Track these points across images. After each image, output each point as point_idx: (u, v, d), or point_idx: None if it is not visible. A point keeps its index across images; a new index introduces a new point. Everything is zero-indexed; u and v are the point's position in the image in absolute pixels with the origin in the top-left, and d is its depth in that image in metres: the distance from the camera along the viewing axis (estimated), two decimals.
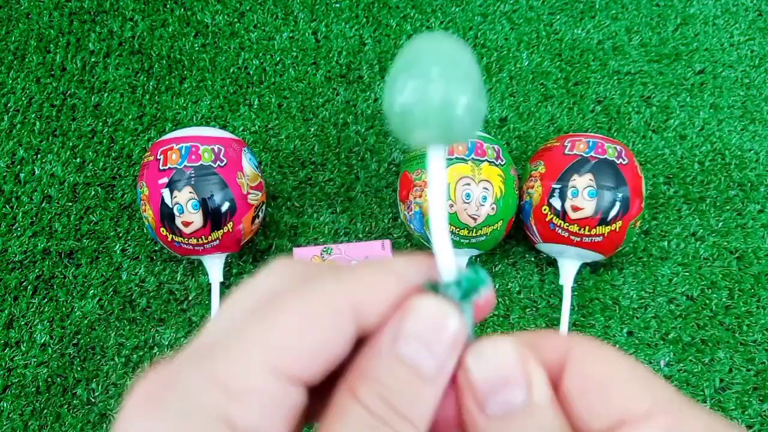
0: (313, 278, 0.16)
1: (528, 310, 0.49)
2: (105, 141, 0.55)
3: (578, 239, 0.45)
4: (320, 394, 0.17)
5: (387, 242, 0.48)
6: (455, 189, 0.44)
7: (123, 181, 0.53)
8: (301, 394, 0.15)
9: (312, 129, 0.56)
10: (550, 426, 0.15)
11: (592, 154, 0.45)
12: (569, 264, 0.47)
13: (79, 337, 0.48)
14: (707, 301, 0.50)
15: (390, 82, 0.16)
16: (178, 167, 0.43)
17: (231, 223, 0.44)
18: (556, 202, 0.45)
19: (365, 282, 0.16)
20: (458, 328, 0.16)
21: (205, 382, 0.14)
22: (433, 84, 0.16)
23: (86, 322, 0.49)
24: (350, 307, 0.16)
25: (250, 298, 0.16)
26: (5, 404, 0.46)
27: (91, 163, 0.54)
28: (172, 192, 0.43)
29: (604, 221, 0.44)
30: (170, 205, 0.43)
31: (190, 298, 0.49)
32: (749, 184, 0.54)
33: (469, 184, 0.44)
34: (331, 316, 0.15)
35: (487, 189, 0.44)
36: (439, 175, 0.17)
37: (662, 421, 0.15)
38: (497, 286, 0.50)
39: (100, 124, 0.55)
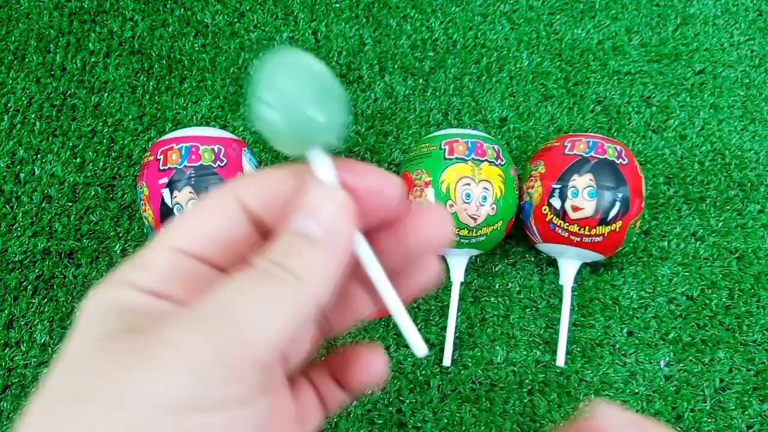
0: None
1: (528, 310, 0.49)
2: (105, 141, 0.55)
3: (578, 239, 0.45)
4: None
5: None
6: (455, 189, 0.44)
7: (123, 181, 0.53)
8: (201, 267, 0.19)
9: None
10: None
11: (592, 154, 0.45)
12: (569, 264, 0.47)
13: None
14: (707, 301, 0.50)
15: (251, 103, 0.19)
16: (178, 167, 0.43)
17: None
18: (556, 202, 0.45)
19: (248, 177, 0.20)
20: (345, 200, 0.18)
21: (123, 266, 0.19)
22: (283, 107, 0.18)
23: None
24: (233, 194, 0.19)
25: None
26: (5, 404, 0.46)
27: (91, 163, 0.54)
28: (172, 192, 0.43)
29: (604, 221, 0.44)
30: (170, 205, 0.43)
31: None
32: (749, 184, 0.54)
33: (469, 184, 0.44)
34: (217, 202, 0.19)
35: (487, 189, 0.44)
36: (325, 170, 0.19)
37: None
38: (497, 286, 0.50)
39: (100, 124, 0.55)
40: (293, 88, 0.17)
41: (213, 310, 0.16)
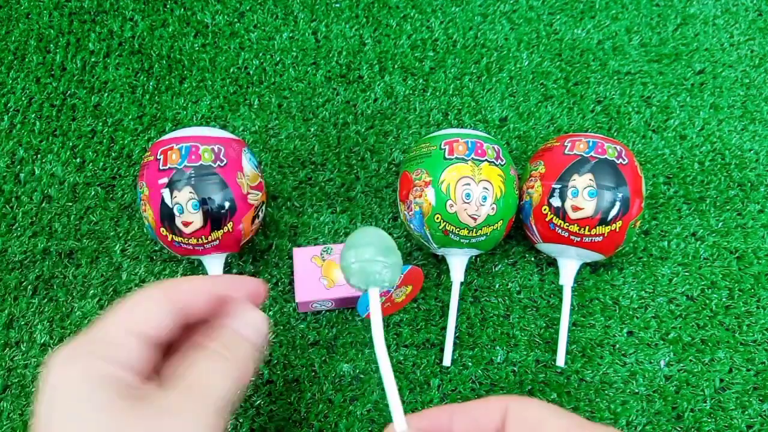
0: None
1: (528, 310, 0.49)
2: (105, 141, 0.55)
3: (578, 239, 0.45)
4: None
5: None
6: (455, 189, 0.44)
7: (123, 181, 0.53)
8: (149, 349, 0.26)
9: (312, 129, 0.56)
10: None
11: (592, 154, 0.45)
12: (569, 264, 0.47)
13: None
14: (707, 301, 0.50)
15: (343, 258, 0.30)
16: (178, 167, 0.43)
17: (231, 223, 0.44)
18: (556, 202, 0.45)
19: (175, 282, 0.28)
20: (266, 324, 0.29)
21: (86, 339, 0.25)
22: (376, 267, 0.29)
23: (86, 322, 0.49)
24: (162, 292, 0.27)
25: None
26: (5, 404, 0.46)
27: (91, 163, 0.54)
28: (172, 192, 0.43)
29: (604, 221, 0.44)
30: (170, 205, 0.43)
31: None
32: (749, 184, 0.54)
33: (469, 184, 0.44)
34: (148, 295, 0.27)
35: (487, 189, 0.44)
36: (377, 309, 0.28)
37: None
38: (497, 286, 0.50)
39: (100, 124, 0.55)
40: (369, 255, 0.28)
41: (192, 382, 0.25)
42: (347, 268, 0.28)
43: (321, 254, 0.47)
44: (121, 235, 0.51)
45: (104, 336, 0.25)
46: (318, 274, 0.47)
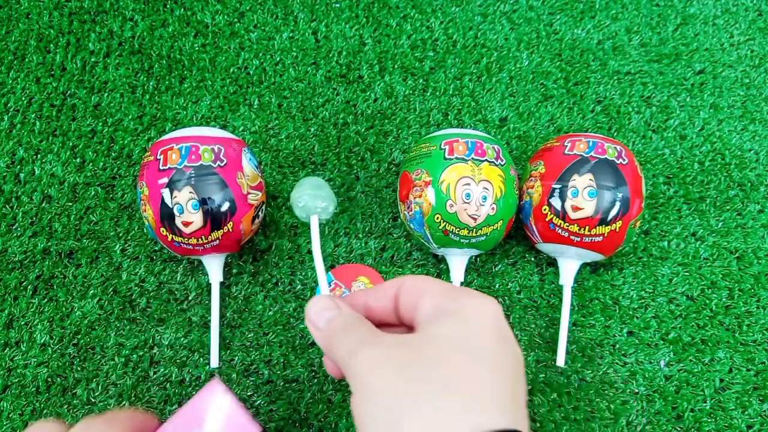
0: None
1: (528, 310, 0.49)
2: (105, 141, 0.55)
3: (578, 239, 0.45)
4: None
5: (214, 385, 0.32)
6: (455, 189, 0.44)
7: (123, 181, 0.53)
8: None
9: (312, 129, 0.56)
10: (353, 317, 0.30)
11: (592, 154, 0.45)
12: (569, 264, 0.47)
13: (79, 337, 0.48)
14: (707, 301, 0.50)
15: (291, 198, 0.39)
16: (178, 167, 0.43)
17: (231, 223, 0.44)
18: (556, 202, 0.45)
19: None
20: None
21: None
22: (311, 199, 0.38)
23: (86, 322, 0.49)
24: None
25: None
26: (5, 404, 0.46)
27: (91, 163, 0.54)
28: (172, 192, 0.43)
29: (604, 221, 0.44)
30: (170, 205, 0.43)
31: (190, 298, 0.49)
32: (749, 184, 0.54)
33: (469, 184, 0.44)
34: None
35: (487, 189, 0.44)
36: (317, 232, 0.37)
37: (440, 289, 0.30)
38: (497, 286, 0.50)
39: (100, 124, 0.55)
40: (304, 191, 0.38)
41: None
42: (293, 204, 0.38)
43: None
44: (121, 235, 0.51)
45: None
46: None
